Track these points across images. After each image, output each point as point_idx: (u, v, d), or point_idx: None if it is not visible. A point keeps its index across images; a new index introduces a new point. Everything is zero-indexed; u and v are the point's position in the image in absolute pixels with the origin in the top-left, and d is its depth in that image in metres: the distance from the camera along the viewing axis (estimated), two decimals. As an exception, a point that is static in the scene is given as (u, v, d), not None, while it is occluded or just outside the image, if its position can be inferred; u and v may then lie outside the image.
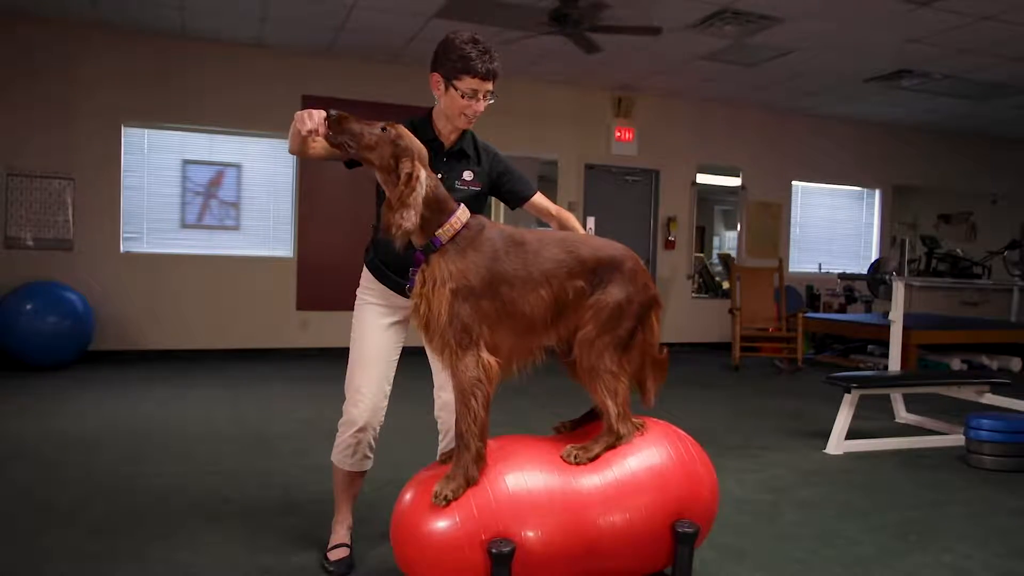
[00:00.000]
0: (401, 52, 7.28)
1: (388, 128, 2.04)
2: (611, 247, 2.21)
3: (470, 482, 1.95)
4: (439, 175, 2.39)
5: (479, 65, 2.24)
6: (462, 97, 2.28)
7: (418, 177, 2.00)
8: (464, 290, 1.98)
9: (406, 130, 2.08)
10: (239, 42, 7.14)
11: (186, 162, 7.19)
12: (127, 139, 6.97)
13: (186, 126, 7.13)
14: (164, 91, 6.96)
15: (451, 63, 2.26)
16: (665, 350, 2.35)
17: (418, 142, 2.09)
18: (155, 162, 7.10)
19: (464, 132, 2.43)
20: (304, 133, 2.08)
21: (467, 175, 2.43)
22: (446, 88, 2.30)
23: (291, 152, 2.25)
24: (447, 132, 2.40)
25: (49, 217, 6.68)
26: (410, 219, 1.95)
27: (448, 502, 1.91)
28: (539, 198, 2.57)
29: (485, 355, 1.98)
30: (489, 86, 2.30)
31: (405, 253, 2.07)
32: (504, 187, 2.54)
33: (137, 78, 6.89)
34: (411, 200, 1.97)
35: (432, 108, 2.42)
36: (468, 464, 1.95)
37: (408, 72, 7.50)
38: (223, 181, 7.32)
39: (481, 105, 2.32)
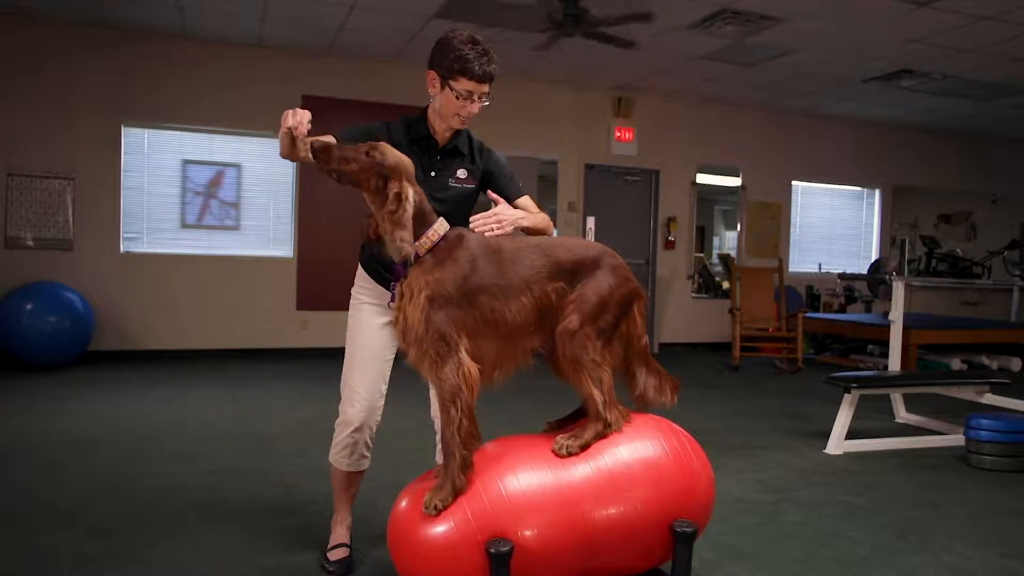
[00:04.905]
0: (401, 52, 7.28)
1: (372, 152, 2.04)
2: (588, 247, 2.21)
3: (458, 490, 1.95)
4: (433, 173, 2.39)
5: (476, 67, 2.24)
6: (457, 98, 2.28)
7: (406, 196, 2.02)
8: (440, 298, 1.98)
9: (389, 148, 2.07)
10: (239, 42, 7.14)
11: (186, 162, 7.19)
12: (127, 139, 6.97)
13: (186, 126, 7.13)
14: (164, 91, 6.97)
15: (448, 63, 2.25)
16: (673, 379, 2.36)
17: (402, 157, 2.08)
18: (155, 162, 7.10)
19: (459, 130, 2.42)
20: (284, 129, 2.09)
21: (461, 173, 2.43)
22: (441, 87, 2.30)
23: (282, 156, 2.24)
24: (442, 130, 2.40)
25: (49, 217, 6.68)
26: (407, 240, 1.99)
27: (439, 511, 1.92)
28: (526, 201, 2.52)
29: (466, 362, 1.98)
30: (485, 88, 2.29)
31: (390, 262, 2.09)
32: (491, 186, 2.50)
33: (137, 78, 6.89)
34: (403, 220, 2.00)
35: (428, 105, 2.42)
36: (455, 473, 1.95)
37: (408, 72, 7.49)
38: (223, 181, 7.32)
39: (476, 107, 2.32)
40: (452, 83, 2.26)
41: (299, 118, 2.08)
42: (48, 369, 6.10)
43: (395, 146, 2.32)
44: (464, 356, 1.98)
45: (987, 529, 3.02)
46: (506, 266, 2.07)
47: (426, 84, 2.35)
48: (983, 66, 7.09)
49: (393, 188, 2.02)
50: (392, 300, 2.07)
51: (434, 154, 2.38)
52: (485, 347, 2.04)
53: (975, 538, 2.91)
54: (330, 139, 2.27)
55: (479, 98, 2.30)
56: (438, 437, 2.54)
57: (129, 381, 5.79)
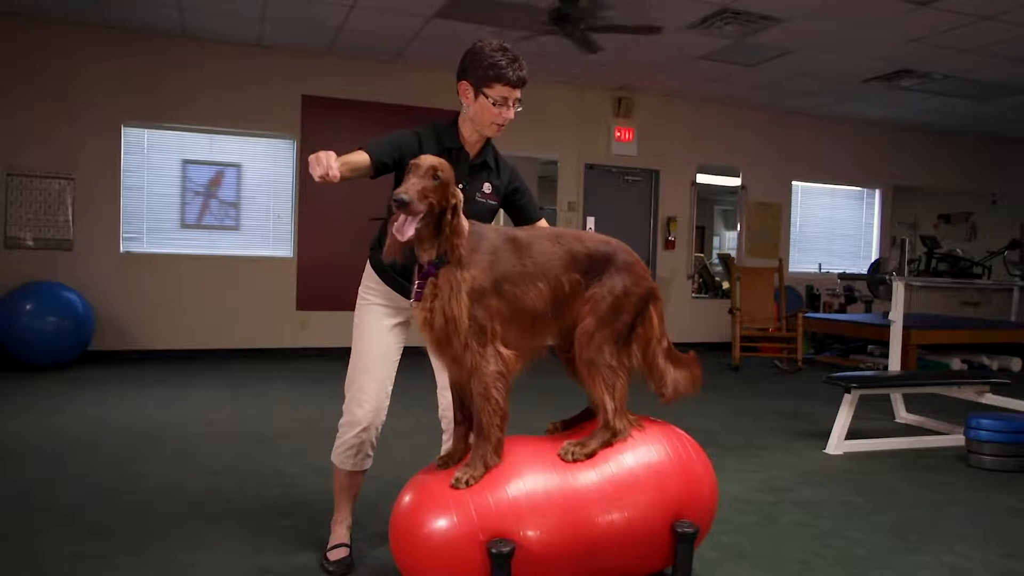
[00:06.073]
0: (401, 52, 7.28)
1: (437, 174, 2.00)
2: (602, 241, 2.23)
3: (489, 468, 2.00)
4: (461, 186, 2.37)
5: (510, 73, 2.27)
6: (493, 105, 2.30)
7: (461, 201, 2.06)
8: (476, 292, 2.01)
9: (437, 162, 2.03)
10: (239, 42, 7.14)
11: (186, 162, 7.19)
12: (127, 139, 6.97)
13: (186, 126, 7.13)
14: (164, 91, 6.97)
15: (482, 71, 2.28)
16: (692, 353, 2.36)
17: (446, 164, 2.05)
18: (155, 162, 7.10)
19: (487, 141, 2.44)
20: (317, 179, 2.10)
21: (487, 188, 2.44)
22: (476, 96, 2.32)
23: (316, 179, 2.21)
24: (472, 140, 2.41)
25: (49, 217, 6.68)
26: (463, 244, 2.02)
27: (468, 485, 1.96)
28: (543, 224, 2.58)
29: (503, 349, 2.03)
30: (518, 94, 2.33)
31: (411, 264, 2.11)
32: (516, 204, 2.55)
33: (137, 78, 6.89)
34: (461, 227, 2.03)
35: (458, 115, 2.42)
36: (488, 452, 2.00)
37: (408, 72, 7.49)
38: (223, 181, 7.32)
39: (511, 112, 2.34)
40: (487, 90, 2.29)
41: (325, 166, 2.09)
42: (48, 369, 6.10)
43: None
44: (500, 344, 2.03)
45: (987, 529, 3.03)
46: (522, 253, 2.10)
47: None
48: (983, 66, 7.09)
49: (452, 200, 2.03)
50: (417, 299, 2.06)
51: (463, 167, 2.38)
52: (510, 336, 2.07)
53: (975, 538, 2.91)
54: (363, 156, 2.27)
55: (513, 103, 2.33)
56: (445, 436, 2.54)
57: (129, 381, 5.79)
